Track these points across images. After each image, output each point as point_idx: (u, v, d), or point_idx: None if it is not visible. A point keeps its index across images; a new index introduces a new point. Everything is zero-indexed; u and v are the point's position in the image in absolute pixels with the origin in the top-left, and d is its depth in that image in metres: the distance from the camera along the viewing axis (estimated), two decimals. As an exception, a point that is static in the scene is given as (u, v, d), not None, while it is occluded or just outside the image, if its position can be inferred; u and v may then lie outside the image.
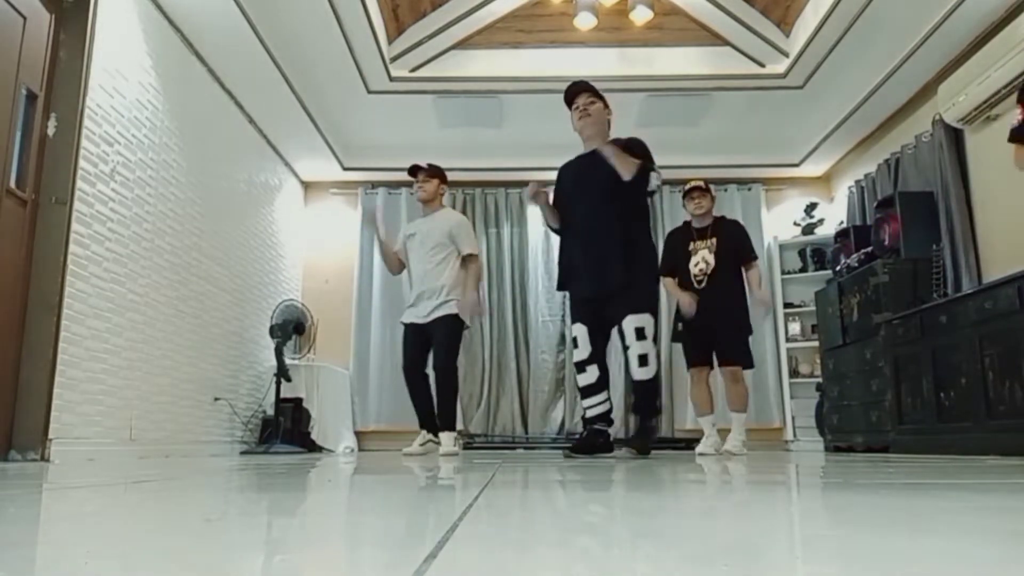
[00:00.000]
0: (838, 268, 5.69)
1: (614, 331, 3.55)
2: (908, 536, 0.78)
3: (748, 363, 4.29)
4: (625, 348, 3.40)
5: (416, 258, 4.39)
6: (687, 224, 4.50)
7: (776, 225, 6.91)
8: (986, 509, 1.12)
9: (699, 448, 4.28)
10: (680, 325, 4.36)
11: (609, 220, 3.45)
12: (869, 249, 5.23)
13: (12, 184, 3.14)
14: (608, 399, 3.48)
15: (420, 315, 4.27)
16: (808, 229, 6.73)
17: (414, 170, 4.49)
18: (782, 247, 6.80)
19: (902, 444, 4.48)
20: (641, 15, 4.93)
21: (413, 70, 5.50)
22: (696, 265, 4.30)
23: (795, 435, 6.48)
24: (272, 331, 5.42)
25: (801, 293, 6.64)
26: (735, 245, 4.31)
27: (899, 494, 1.37)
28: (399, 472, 2.37)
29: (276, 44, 4.75)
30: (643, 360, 3.32)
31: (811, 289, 6.28)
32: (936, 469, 2.34)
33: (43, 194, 3.30)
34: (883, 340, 4.73)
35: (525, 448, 6.19)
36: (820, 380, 5.93)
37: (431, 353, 4.28)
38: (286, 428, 5.30)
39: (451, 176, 6.75)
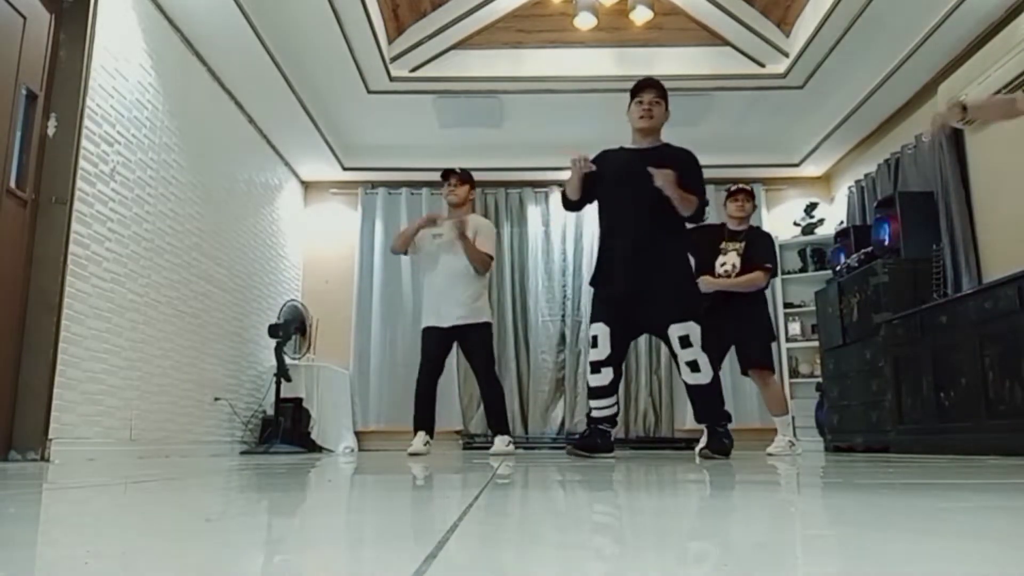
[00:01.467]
0: (838, 268, 5.69)
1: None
2: (908, 536, 0.78)
3: (768, 364, 4.28)
4: (673, 356, 3.38)
5: (442, 261, 4.36)
6: (721, 225, 4.49)
7: (776, 225, 6.89)
8: (986, 509, 1.12)
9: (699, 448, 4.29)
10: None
11: (656, 227, 3.39)
12: (869, 249, 5.23)
13: (12, 184, 3.14)
14: (616, 403, 3.45)
15: (444, 320, 4.29)
16: (808, 229, 6.73)
17: (447, 174, 4.54)
18: (782, 247, 6.78)
19: (902, 444, 4.48)
20: (641, 15, 4.93)
21: (413, 70, 5.50)
22: (722, 265, 4.28)
23: (795, 435, 6.47)
24: (273, 331, 5.42)
25: (801, 293, 6.64)
26: (761, 252, 4.29)
27: (899, 494, 1.37)
28: (399, 472, 2.37)
29: (276, 44, 4.75)
30: (694, 366, 3.27)
31: (811, 289, 6.28)
32: (936, 469, 2.34)
33: (43, 194, 3.30)
34: (883, 340, 4.73)
35: (525, 448, 6.19)
36: (820, 380, 5.94)
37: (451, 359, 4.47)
38: (286, 428, 5.30)
39: (451, 176, 6.82)
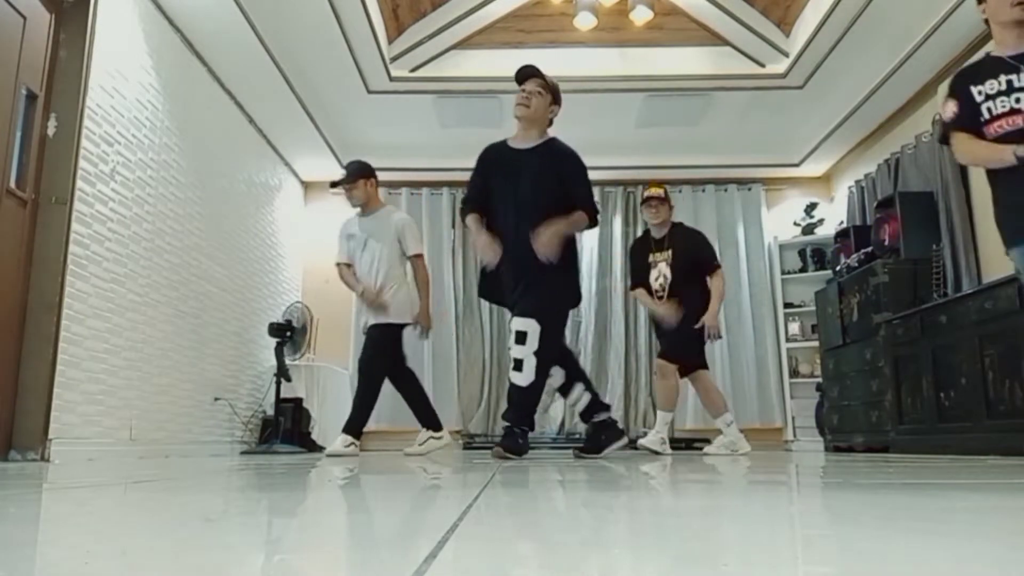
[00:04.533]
0: (838, 268, 5.69)
1: (572, 321, 3.46)
2: (908, 536, 0.78)
3: (697, 362, 4.28)
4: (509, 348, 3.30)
5: (359, 260, 4.25)
6: (647, 233, 4.49)
7: (776, 225, 6.91)
8: (986, 509, 1.12)
9: (709, 448, 4.35)
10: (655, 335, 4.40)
11: (533, 227, 3.23)
12: (869, 249, 5.23)
13: (12, 184, 3.14)
14: (587, 388, 3.39)
15: (370, 320, 4.18)
16: (808, 229, 6.74)
17: (334, 184, 4.35)
18: (782, 247, 6.80)
19: (902, 444, 4.48)
20: (641, 15, 4.93)
21: (413, 70, 5.50)
22: (656, 280, 4.26)
23: (795, 435, 6.48)
24: (273, 330, 5.41)
25: (801, 293, 6.64)
26: (692, 256, 4.26)
27: (899, 494, 1.37)
28: (399, 472, 2.37)
29: (276, 44, 4.75)
30: (517, 365, 3.17)
31: (811, 289, 6.28)
32: (936, 469, 2.34)
33: (43, 194, 3.30)
34: (883, 340, 4.73)
35: (525, 448, 6.18)
36: (820, 380, 5.94)
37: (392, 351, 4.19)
38: (286, 428, 5.30)
39: (451, 176, 6.82)
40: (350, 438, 3.99)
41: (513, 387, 3.24)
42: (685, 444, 5.98)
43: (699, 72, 5.51)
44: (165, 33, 4.23)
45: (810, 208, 6.75)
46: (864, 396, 5.01)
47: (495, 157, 3.48)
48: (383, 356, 4.12)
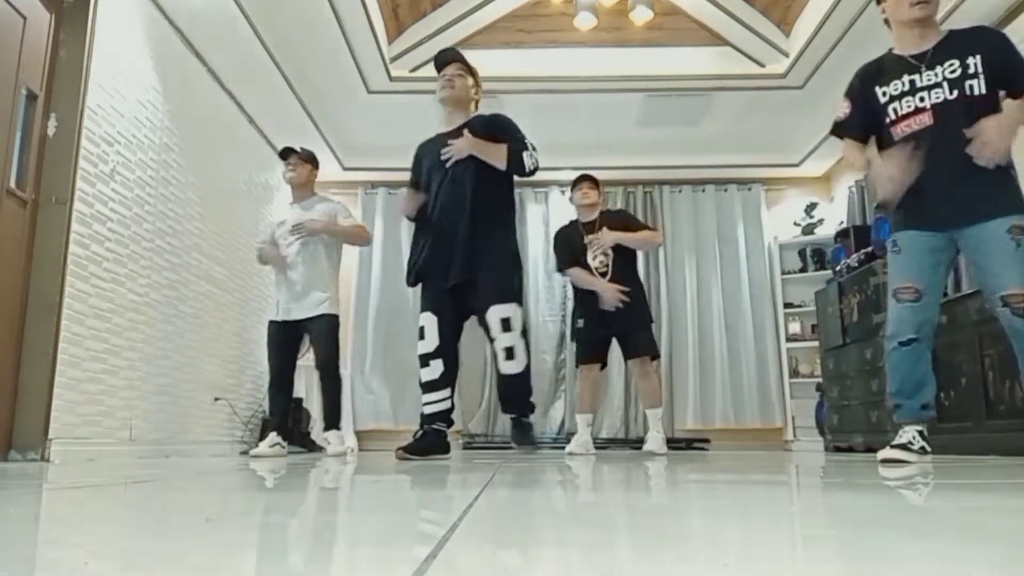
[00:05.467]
0: (838, 268, 5.69)
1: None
2: (907, 536, 0.78)
3: (655, 353, 4.29)
4: (491, 341, 3.21)
5: (298, 250, 4.20)
6: (574, 222, 4.48)
7: (776, 225, 6.91)
8: (986, 509, 1.12)
9: (569, 447, 4.31)
10: (581, 322, 4.32)
11: (471, 207, 3.22)
12: (869, 249, 5.23)
13: (12, 184, 3.14)
14: (450, 397, 3.26)
15: (293, 312, 4.13)
16: (808, 229, 6.74)
17: (286, 152, 4.38)
18: (782, 247, 6.80)
19: (902, 444, 4.47)
20: (641, 15, 4.93)
21: (413, 70, 5.50)
22: (595, 258, 4.26)
23: (795, 435, 6.48)
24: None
25: (801, 293, 6.64)
26: (632, 224, 4.36)
27: (899, 494, 1.37)
28: (399, 472, 2.37)
29: (276, 44, 4.75)
30: (510, 353, 3.13)
31: (811, 289, 6.28)
32: (936, 469, 2.34)
33: (43, 194, 3.30)
34: (883, 340, 4.72)
35: (525, 448, 6.18)
36: (820, 380, 5.94)
37: (305, 354, 4.23)
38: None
39: (451, 176, 6.82)
40: (341, 433, 4.15)
41: (509, 378, 3.19)
42: (686, 444, 5.98)
43: (699, 72, 5.51)
44: (165, 33, 4.23)
45: (810, 208, 6.75)
46: (864, 396, 5.01)
47: (426, 150, 3.55)
48: (337, 349, 4.17)
